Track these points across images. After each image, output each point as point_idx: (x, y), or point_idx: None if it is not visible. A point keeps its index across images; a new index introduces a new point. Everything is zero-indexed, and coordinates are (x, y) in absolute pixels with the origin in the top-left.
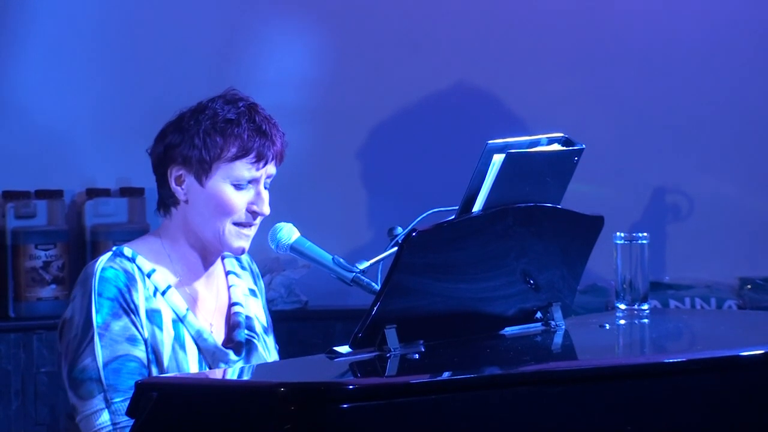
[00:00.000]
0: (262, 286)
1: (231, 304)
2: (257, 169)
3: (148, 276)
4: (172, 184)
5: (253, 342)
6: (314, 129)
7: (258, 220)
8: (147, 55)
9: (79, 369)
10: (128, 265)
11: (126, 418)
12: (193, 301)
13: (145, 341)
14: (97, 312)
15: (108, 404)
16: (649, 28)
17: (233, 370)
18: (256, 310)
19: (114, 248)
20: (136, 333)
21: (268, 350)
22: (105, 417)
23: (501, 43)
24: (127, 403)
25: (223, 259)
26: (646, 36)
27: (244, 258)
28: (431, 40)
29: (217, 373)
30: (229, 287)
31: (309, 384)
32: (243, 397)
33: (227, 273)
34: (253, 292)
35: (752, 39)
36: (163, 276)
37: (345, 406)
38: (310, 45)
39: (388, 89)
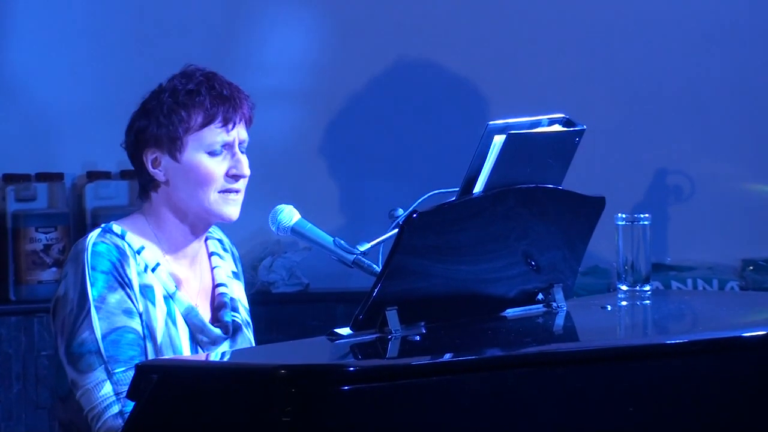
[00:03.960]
0: (241, 270)
1: (215, 285)
2: (227, 132)
3: (138, 253)
4: (150, 168)
5: (239, 323)
6: (314, 111)
7: (241, 183)
8: (147, 38)
9: (78, 343)
10: (119, 241)
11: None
12: (178, 281)
13: (140, 315)
14: (92, 285)
15: (110, 375)
16: (652, 8)
17: (233, 352)
18: (239, 293)
19: (102, 225)
20: (132, 306)
21: (251, 332)
22: (107, 389)
23: (502, 24)
24: (129, 373)
25: (206, 240)
26: (648, 16)
27: (226, 241)
28: (431, 21)
29: (217, 356)
30: (212, 268)
31: (310, 366)
32: (243, 379)
33: (210, 254)
34: (236, 275)
35: (756, 20)
36: (152, 253)
37: (346, 388)
38: (309, 28)
39: (387, 71)
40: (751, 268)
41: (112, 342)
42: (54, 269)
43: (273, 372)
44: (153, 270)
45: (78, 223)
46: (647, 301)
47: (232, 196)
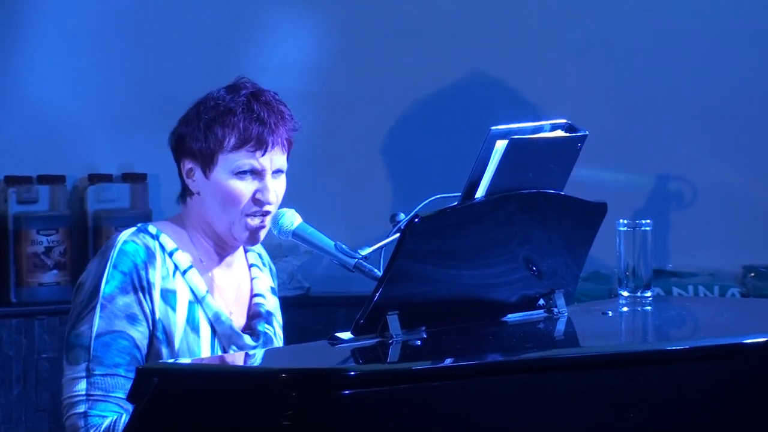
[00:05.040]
0: (277, 285)
1: (253, 295)
2: (257, 158)
3: (170, 255)
4: (185, 177)
5: (270, 336)
6: (318, 115)
7: (267, 208)
8: (150, 41)
9: (75, 334)
10: (150, 242)
11: (101, 392)
12: (212, 286)
13: (156, 321)
14: (107, 282)
15: (88, 374)
16: (654, 15)
17: (234, 356)
18: (275, 309)
19: (139, 224)
20: (139, 312)
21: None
22: (82, 386)
23: (507, 30)
24: (108, 379)
25: (246, 252)
26: (650, 22)
27: (265, 256)
28: (436, 25)
29: (218, 360)
30: (252, 279)
31: (310, 370)
32: (244, 383)
33: (250, 266)
34: (274, 291)
35: (758, 26)
36: (186, 256)
37: (346, 392)
38: (315, 31)
39: (391, 75)
40: (753, 274)
41: (103, 343)
42: (55, 272)
43: (274, 376)
44: (184, 272)
45: (79, 225)
46: (648, 307)
47: (255, 222)
